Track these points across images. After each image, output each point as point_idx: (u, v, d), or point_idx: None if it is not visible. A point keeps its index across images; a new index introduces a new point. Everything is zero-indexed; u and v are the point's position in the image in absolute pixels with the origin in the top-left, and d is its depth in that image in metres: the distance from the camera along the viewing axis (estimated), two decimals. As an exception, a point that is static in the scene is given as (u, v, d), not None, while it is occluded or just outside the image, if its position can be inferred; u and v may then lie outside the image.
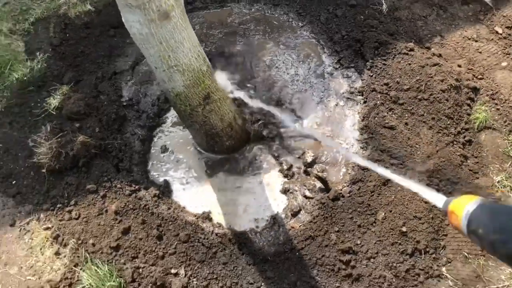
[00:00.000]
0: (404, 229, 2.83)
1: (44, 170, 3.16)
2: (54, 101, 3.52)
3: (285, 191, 3.24)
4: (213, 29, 4.21)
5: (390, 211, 2.91)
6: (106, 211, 3.01)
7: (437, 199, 1.70)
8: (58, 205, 3.06)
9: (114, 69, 3.94)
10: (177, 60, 2.65)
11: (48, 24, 4.17)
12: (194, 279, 2.76)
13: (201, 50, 2.83)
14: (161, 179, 3.37)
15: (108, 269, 2.71)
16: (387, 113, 3.37)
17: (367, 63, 3.69)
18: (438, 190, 3.02)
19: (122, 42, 4.10)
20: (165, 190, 3.30)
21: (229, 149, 3.42)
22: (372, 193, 3.01)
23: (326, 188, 3.16)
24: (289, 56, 3.95)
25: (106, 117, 3.54)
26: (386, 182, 3.04)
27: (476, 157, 3.23)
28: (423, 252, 2.79)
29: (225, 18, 4.30)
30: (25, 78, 3.79)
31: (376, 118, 3.36)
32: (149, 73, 3.91)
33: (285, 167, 3.34)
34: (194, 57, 2.74)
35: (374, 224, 2.89)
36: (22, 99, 3.65)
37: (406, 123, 3.31)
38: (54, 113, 3.49)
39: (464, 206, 1.41)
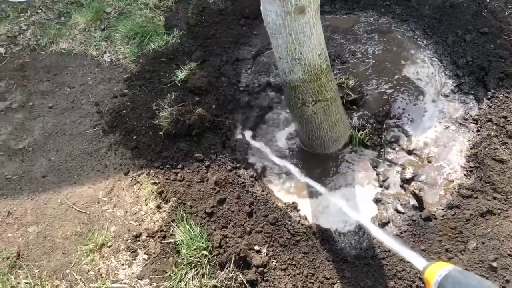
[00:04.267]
0: (495, 264, 2.73)
1: (161, 132, 3.50)
2: (181, 74, 3.87)
3: (377, 201, 3.27)
4: (336, 33, 4.33)
5: (483, 243, 2.82)
6: (207, 180, 3.27)
7: (418, 263, 1.83)
8: (167, 166, 3.38)
9: (237, 55, 4.23)
10: (301, 54, 2.81)
11: (188, 5, 4.58)
12: (274, 260, 2.90)
13: (325, 48, 2.97)
14: (260, 164, 3.57)
15: (200, 231, 2.95)
16: (500, 146, 3.25)
17: (489, 92, 3.58)
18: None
19: (249, 32, 4.38)
20: (262, 174, 3.49)
21: (329, 148, 3.52)
22: (467, 221, 2.93)
23: (420, 206, 3.14)
24: (406, 72, 3.95)
25: (223, 97, 3.82)
26: (485, 214, 2.94)
27: None
28: (511, 293, 2.68)
29: (350, 25, 4.40)
30: (160, 49, 4.21)
31: (487, 149, 3.25)
32: (268, 65, 4.13)
33: (381, 178, 3.36)
34: (317, 54, 2.88)
35: (463, 252, 2.82)
36: (154, 67, 4.06)
37: (519, 160, 3.17)
38: (179, 84, 3.84)
39: (435, 274, 1.53)
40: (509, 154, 3.21)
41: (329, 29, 4.38)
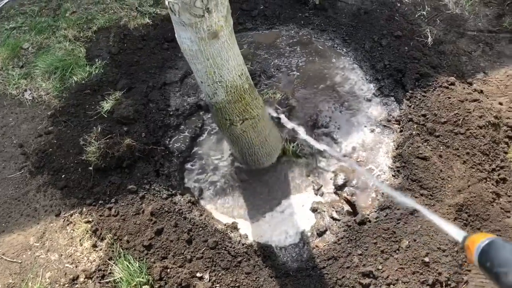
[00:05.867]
0: (427, 259, 2.85)
1: (91, 168, 3.41)
2: (106, 105, 3.80)
3: (313, 210, 3.33)
4: (260, 49, 4.40)
5: (415, 240, 2.95)
6: (143, 211, 3.21)
7: (457, 233, 1.82)
8: (100, 201, 3.29)
9: (164, 80, 4.19)
10: (221, 77, 2.83)
11: (108, 34, 4.50)
12: (217, 285, 2.89)
13: (245, 68, 3.00)
14: (196, 187, 3.55)
15: (139, 266, 2.90)
16: (422, 144, 3.42)
17: (407, 93, 3.76)
18: (466, 225, 3.04)
19: (174, 56, 4.36)
20: (199, 197, 3.48)
21: (263, 163, 3.56)
22: (399, 221, 3.06)
23: (354, 211, 3.23)
24: (330, 80, 4.07)
25: (153, 124, 3.78)
26: (414, 211, 3.08)
27: (509, 196, 3.21)
28: (444, 285, 2.80)
29: (273, 40, 4.48)
30: (83, 81, 4.11)
31: (410, 148, 3.41)
32: (197, 86, 4.13)
33: (316, 186, 3.44)
34: (237, 75, 2.91)
35: (397, 251, 2.93)
36: (78, 100, 3.95)
37: (440, 156, 3.34)
38: (106, 116, 3.76)
39: (477, 242, 1.56)
40: (431, 150, 3.37)
41: (253, 45, 4.45)
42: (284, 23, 4.59)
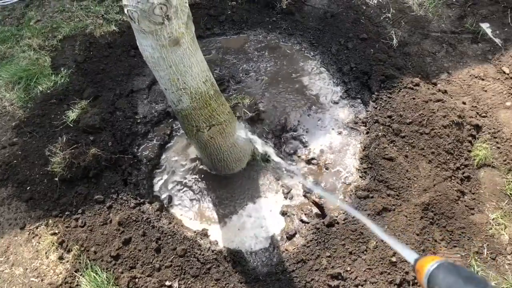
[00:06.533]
0: (394, 259, 2.89)
1: (56, 179, 3.35)
2: (72, 115, 3.74)
3: (283, 214, 3.34)
4: (228, 54, 4.41)
5: (382, 241, 2.97)
6: (111, 221, 3.17)
7: (409, 256, 1.87)
8: (67, 213, 3.24)
9: (131, 87, 4.15)
10: (185, 84, 2.82)
11: (74, 42, 4.44)
12: (187, 293, 2.87)
13: (209, 74, 3.00)
14: (165, 195, 3.52)
15: (106, 277, 2.85)
16: (388, 144, 3.46)
17: (373, 95, 3.81)
18: (432, 224, 3.08)
19: (141, 62, 4.32)
20: (168, 205, 3.45)
21: (232, 168, 3.56)
22: (366, 222, 3.08)
23: (322, 214, 3.25)
24: (298, 84, 4.10)
25: (120, 133, 3.73)
26: (381, 211, 3.11)
27: (473, 193, 3.28)
28: (411, 283, 2.83)
29: (241, 44, 4.49)
30: (48, 91, 4.03)
31: (376, 149, 3.45)
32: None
33: (285, 190, 3.45)
34: (202, 81, 2.90)
35: (365, 252, 2.96)
36: (44, 110, 3.88)
37: (406, 156, 3.39)
38: (72, 125, 3.70)
39: (426, 266, 1.58)
40: (397, 151, 3.42)
41: (221, 50, 4.45)
42: (252, 28, 4.61)
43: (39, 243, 3.13)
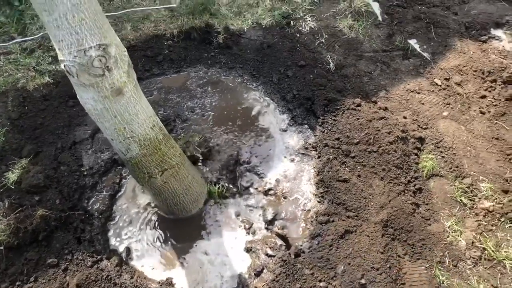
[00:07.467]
0: (363, 281, 2.90)
1: (2, 248, 3.11)
2: (12, 176, 3.52)
3: (248, 250, 3.29)
4: (171, 93, 4.36)
5: (349, 264, 2.99)
6: (68, 285, 2.97)
7: None
8: (17, 283, 3.00)
9: (73, 138, 3.98)
10: (132, 132, 2.75)
11: (6, 98, 4.21)
12: None
13: (156, 119, 2.94)
14: (123, 247, 3.37)
15: None
16: (340, 166, 3.53)
17: (319, 119, 3.89)
18: (393, 240, 3.15)
19: (81, 111, 4.17)
20: (127, 258, 3.30)
21: (189, 210, 3.48)
22: (331, 247, 3.10)
23: (287, 245, 3.24)
24: (244, 116, 4.11)
25: (67, 188, 3.55)
26: (343, 234, 3.14)
27: (427, 204, 3.39)
28: (383, 303, 2.87)
29: (183, 82, 4.46)
30: (-18, 153, 3.79)
31: (330, 172, 3.50)
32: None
33: (246, 225, 3.41)
34: (149, 127, 2.84)
35: (334, 278, 2.96)
36: (-21, 175, 3.63)
37: (359, 175, 3.46)
38: (13, 187, 3.48)
39: None
40: (349, 172, 3.49)
41: (163, 90, 4.39)
42: (191, 65, 4.60)
43: (-10, 321, 2.89)
